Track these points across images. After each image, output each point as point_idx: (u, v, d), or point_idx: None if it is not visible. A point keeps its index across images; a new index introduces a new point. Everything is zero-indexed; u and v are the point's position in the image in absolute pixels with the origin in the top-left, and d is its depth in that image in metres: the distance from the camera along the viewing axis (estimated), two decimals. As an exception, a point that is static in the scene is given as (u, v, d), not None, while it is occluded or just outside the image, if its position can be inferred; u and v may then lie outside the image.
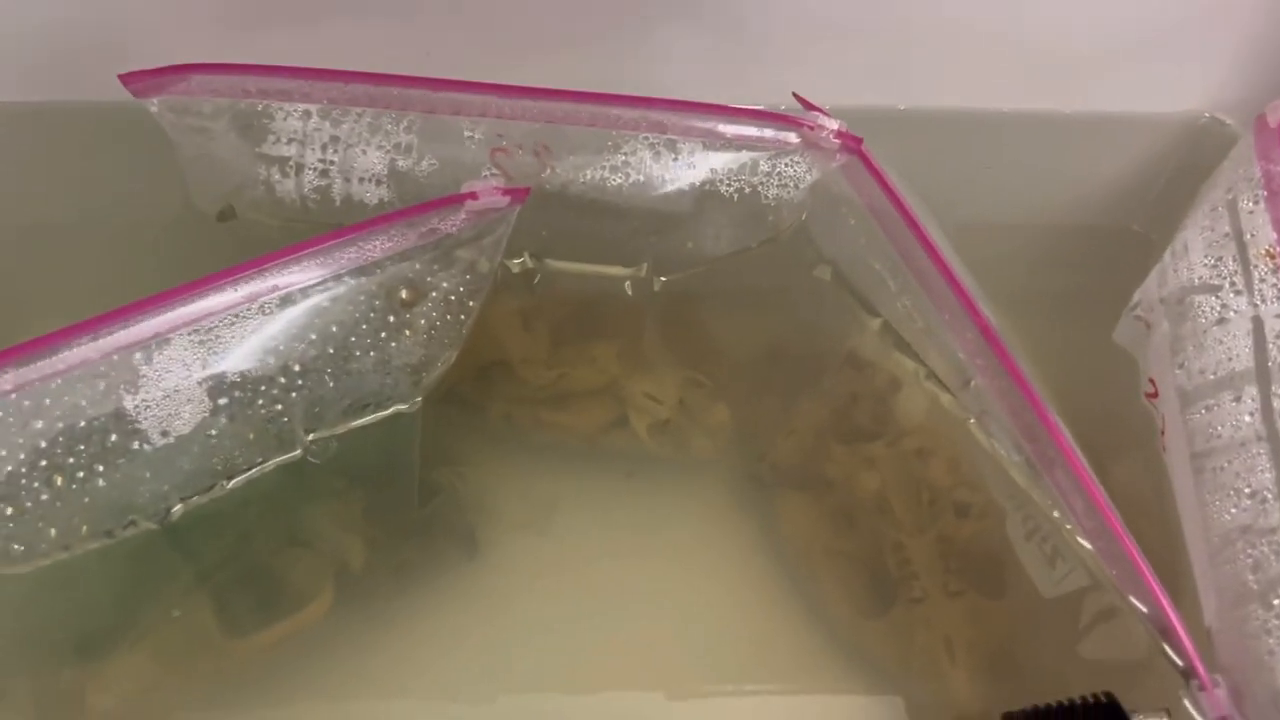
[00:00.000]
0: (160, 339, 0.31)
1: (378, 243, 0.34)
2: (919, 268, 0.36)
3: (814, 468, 0.40)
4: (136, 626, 0.35)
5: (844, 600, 0.39)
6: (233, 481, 0.34)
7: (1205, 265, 0.35)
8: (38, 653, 0.35)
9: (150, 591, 0.35)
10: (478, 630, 0.37)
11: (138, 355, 0.31)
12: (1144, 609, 0.31)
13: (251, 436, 0.34)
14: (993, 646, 0.36)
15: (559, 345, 0.42)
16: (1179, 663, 0.30)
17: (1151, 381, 0.36)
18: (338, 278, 0.34)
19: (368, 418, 0.36)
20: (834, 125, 0.37)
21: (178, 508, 0.33)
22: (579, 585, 0.39)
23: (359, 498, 0.38)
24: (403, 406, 0.36)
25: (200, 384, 0.32)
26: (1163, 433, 0.35)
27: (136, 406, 0.31)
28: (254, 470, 0.35)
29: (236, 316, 0.32)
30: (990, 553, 0.37)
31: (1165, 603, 0.30)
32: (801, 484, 0.41)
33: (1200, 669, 0.30)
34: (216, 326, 0.32)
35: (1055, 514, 0.34)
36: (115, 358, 0.31)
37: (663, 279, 0.42)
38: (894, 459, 0.39)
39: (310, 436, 0.35)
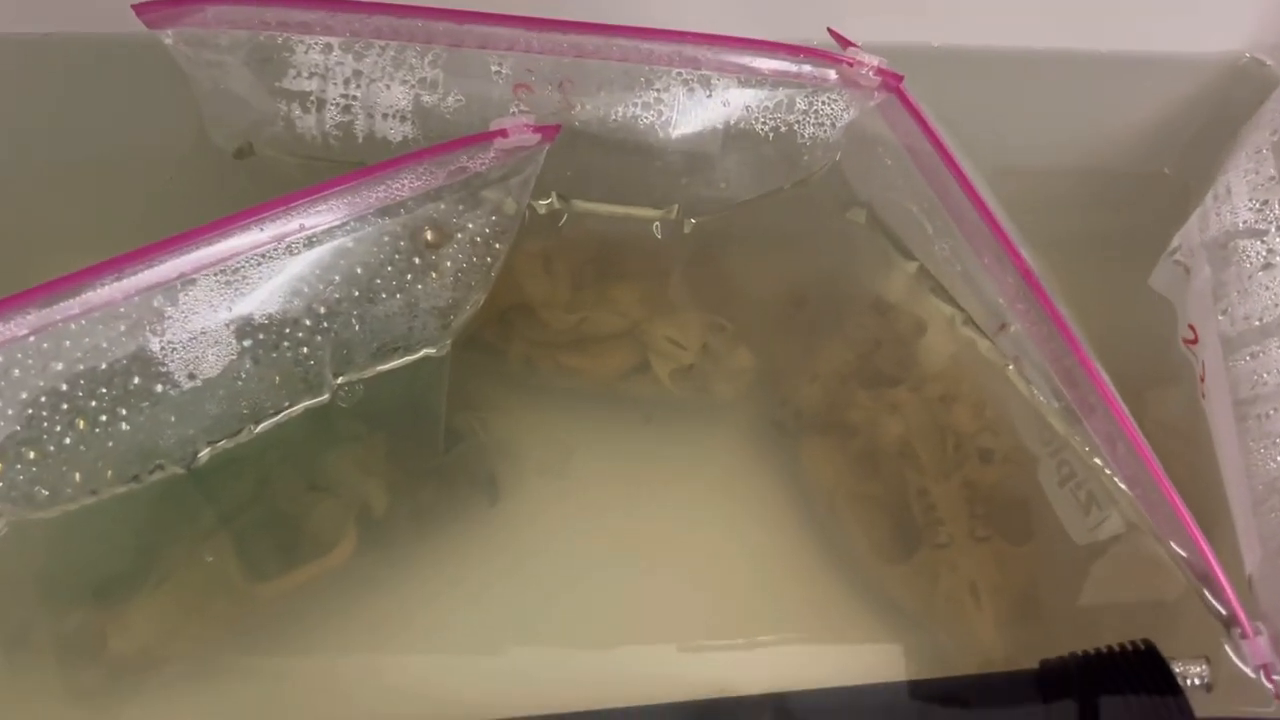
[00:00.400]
0: (186, 279, 0.31)
1: (405, 181, 0.33)
2: (957, 210, 0.35)
3: (837, 413, 0.40)
4: (158, 570, 0.35)
5: (867, 546, 0.38)
6: (260, 426, 0.34)
7: (1250, 209, 0.34)
8: (59, 596, 0.34)
9: (172, 535, 0.35)
10: (497, 575, 0.37)
11: (161, 296, 0.30)
12: (1184, 555, 0.31)
13: (278, 380, 0.33)
14: (1019, 592, 0.36)
15: (580, 288, 0.41)
16: (1220, 610, 0.30)
17: (1191, 328, 0.35)
18: (363, 218, 0.33)
19: (397, 361, 0.35)
20: (874, 62, 0.36)
21: (205, 452, 0.33)
22: (598, 530, 0.38)
23: (381, 443, 0.38)
24: (431, 350, 0.36)
25: (227, 325, 0.31)
26: (1202, 379, 0.34)
27: (163, 348, 0.31)
28: (281, 415, 0.34)
29: (263, 257, 0.31)
30: (1016, 498, 0.37)
31: (1206, 549, 0.30)
32: (824, 429, 0.40)
33: (1242, 616, 0.30)
34: (243, 267, 0.31)
35: (1095, 460, 0.34)
36: (138, 299, 0.30)
37: (693, 221, 0.41)
38: (918, 404, 0.39)
39: (339, 380, 0.34)
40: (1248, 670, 0.30)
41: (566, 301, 0.40)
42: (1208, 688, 0.29)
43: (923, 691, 0.31)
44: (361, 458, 0.37)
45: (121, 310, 0.30)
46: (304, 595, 0.35)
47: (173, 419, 0.32)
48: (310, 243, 0.32)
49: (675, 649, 0.36)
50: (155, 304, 0.31)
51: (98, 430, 0.31)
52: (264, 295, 0.32)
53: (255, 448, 0.35)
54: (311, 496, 0.37)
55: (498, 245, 0.36)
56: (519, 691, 0.34)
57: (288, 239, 0.31)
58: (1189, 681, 0.29)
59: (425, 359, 0.36)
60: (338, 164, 0.38)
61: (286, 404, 0.34)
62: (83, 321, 0.30)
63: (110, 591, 0.34)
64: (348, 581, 0.36)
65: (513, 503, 0.38)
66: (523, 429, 0.40)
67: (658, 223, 0.41)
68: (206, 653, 0.35)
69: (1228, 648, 0.30)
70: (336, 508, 0.37)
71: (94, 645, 0.34)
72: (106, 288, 0.30)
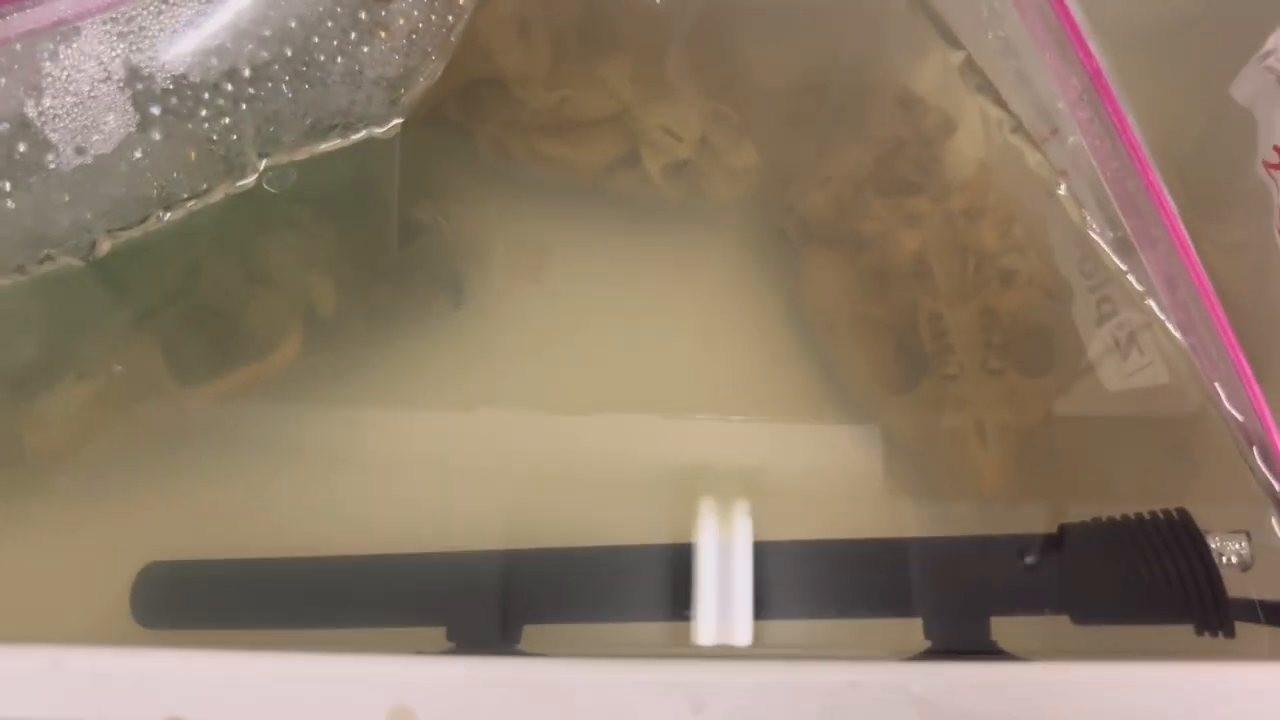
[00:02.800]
0: (66, 28, 0.25)
1: (341, -88, 0.27)
2: (1021, -11, 0.29)
3: (847, 223, 0.37)
4: (74, 366, 0.32)
5: (868, 372, 0.36)
6: (171, 213, 0.29)
7: (1374, 6, 0.29)
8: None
9: (85, 331, 0.32)
10: (459, 382, 0.35)
11: (38, 49, 0.25)
12: (1236, 416, 0.28)
13: (193, 157, 0.28)
14: (1030, 434, 0.34)
15: (561, 61, 0.36)
16: (1272, 482, 0.27)
17: (1277, 149, 0.30)
18: (293, -42, 0.27)
19: (334, 142, 0.30)
20: None
21: (104, 242, 0.28)
22: (573, 338, 0.36)
23: (328, 234, 0.34)
24: (376, 130, 0.30)
25: (123, 89, 0.26)
26: (1281, 212, 0.30)
27: (42, 115, 0.25)
28: (196, 201, 0.29)
29: (165, 3, 0.26)
30: (1037, 326, 0.34)
31: (1266, 411, 0.27)
32: (831, 241, 0.37)
33: (1299, 493, 0.26)
34: (139, 15, 0.25)
35: (1147, 301, 0.30)
36: (19, 47, 0.25)
37: (703, -15, 0.35)
38: (939, 218, 0.35)
39: (264, 162, 0.29)
40: (1293, 553, 0.27)
41: (545, 76, 0.36)
42: (1244, 566, 0.26)
43: (937, 548, 0.28)
44: (304, 249, 0.34)
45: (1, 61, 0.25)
46: (243, 399, 0.33)
47: (66, 199, 0.27)
48: (227, -13, 0.26)
49: (652, 460, 0.34)
50: (33, 58, 0.25)
51: (-27, 207, 0.26)
52: (171, 52, 0.26)
53: (178, 234, 0.30)
54: (248, 290, 0.34)
55: (461, 1, 0.30)
56: (477, 508, 0.32)
57: (194, -20, 0.25)
58: (1225, 559, 0.26)
59: (369, 140, 0.30)
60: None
61: (203, 187, 0.29)
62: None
63: (21, 383, 0.32)
64: (291, 387, 0.33)
65: (479, 306, 0.36)
66: (491, 224, 0.37)
67: (661, -15, 0.35)
68: (139, 456, 0.33)
69: (1276, 524, 0.27)
70: (278, 302, 0.34)
71: (9, 443, 0.32)
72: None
